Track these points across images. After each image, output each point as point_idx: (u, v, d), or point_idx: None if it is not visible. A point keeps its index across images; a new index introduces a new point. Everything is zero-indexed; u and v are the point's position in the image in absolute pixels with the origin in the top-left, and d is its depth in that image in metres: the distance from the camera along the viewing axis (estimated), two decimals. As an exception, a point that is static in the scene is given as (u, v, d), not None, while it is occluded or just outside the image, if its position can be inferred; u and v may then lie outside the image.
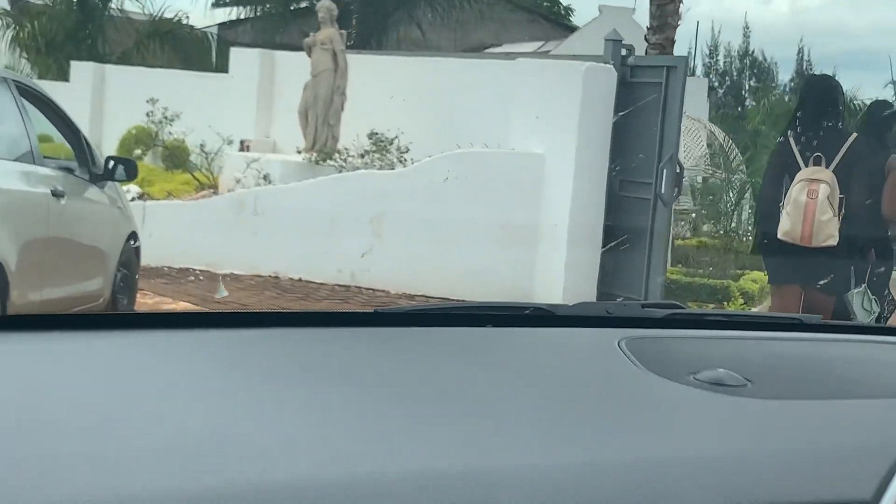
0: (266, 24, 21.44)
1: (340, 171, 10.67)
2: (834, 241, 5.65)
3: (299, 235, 9.95)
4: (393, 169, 10.60)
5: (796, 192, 5.64)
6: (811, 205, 5.56)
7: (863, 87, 35.92)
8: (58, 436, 1.02)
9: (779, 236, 5.74)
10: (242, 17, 22.91)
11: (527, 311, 1.73)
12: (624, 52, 9.65)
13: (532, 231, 9.52)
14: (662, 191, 9.16)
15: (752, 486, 1.08)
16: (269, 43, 17.14)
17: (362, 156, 11.01)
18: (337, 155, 11.25)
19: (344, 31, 11.89)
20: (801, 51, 27.30)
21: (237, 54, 14.82)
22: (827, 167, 5.67)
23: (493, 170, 9.69)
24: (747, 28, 27.59)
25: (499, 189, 9.57)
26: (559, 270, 9.33)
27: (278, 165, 11.47)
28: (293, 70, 12.62)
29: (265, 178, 10.99)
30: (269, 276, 10.15)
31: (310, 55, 11.78)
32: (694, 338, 1.69)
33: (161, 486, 0.93)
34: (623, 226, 9.47)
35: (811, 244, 5.62)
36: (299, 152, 11.77)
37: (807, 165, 5.71)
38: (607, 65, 9.56)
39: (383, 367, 1.36)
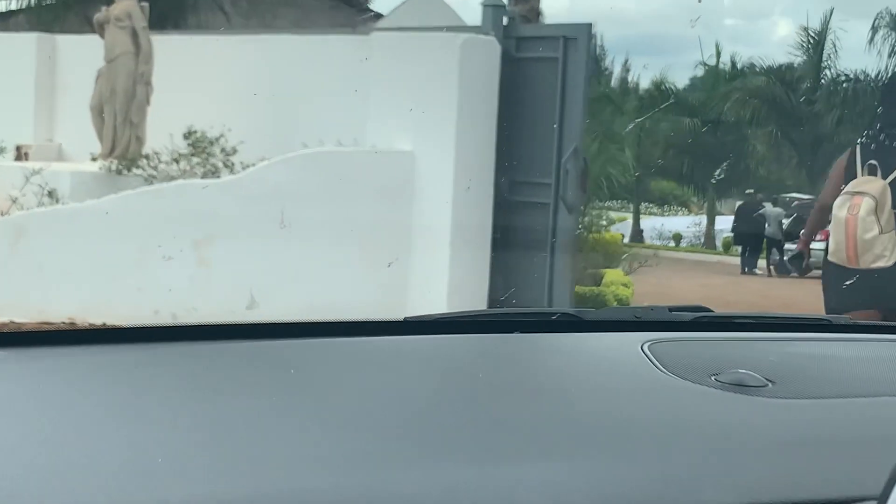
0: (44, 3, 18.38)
1: (151, 183, 8.34)
2: (887, 262, 4.96)
3: (101, 268, 7.61)
4: (219, 177, 8.34)
5: (837, 207, 5.06)
6: (851, 221, 4.94)
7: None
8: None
9: (828, 258, 5.11)
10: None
11: (554, 317, 1.76)
12: (506, 20, 7.73)
13: (403, 240, 7.50)
14: (566, 193, 7.30)
15: (771, 483, 1.10)
16: (50, 26, 14.33)
17: (177, 161, 8.67)
18: (144, 161, 8.84)
19: (146, 3, 9.45)
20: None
21: (6, 41, 12.08)
22: (884, 178, 4.96)
23: (350, 173, 7.62)
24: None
25: (358, 196, 7.50)
26: (438, 283, 7.37)
27: (67, 178, 8.91)
28: (81, 56, 10.08)
29: (50, 194, 8.49)
30: (63, 322, 7.73)
31: (102, 35, 9.32)
32: (720, 340, 1.72)
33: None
34: (518, 236, 7.59)
35: (859, 266, 4.98)
36: (94, 159, 9.37)
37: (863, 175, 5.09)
38: (488, 36, 7.62)
39: (414, 375, 1.40)
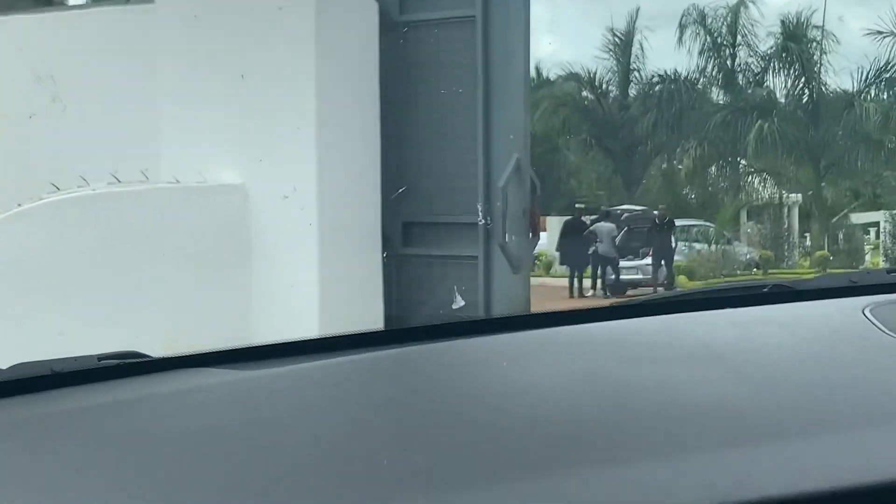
0: None
1: None
2: None
3: None
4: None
5: None
6: None
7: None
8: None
9: None
10: None
11: (765, 289, 1.70)
12: (380, -35, 4.76)
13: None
14: (508, 241, 4.38)
15: None
16: None
17: None
18: None
19: None
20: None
21: None
22: None
23: (143, 222, 4.42)
24: None
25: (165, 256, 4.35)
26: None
27: None
28: None
29: None
30: None
31: None
32: None
33: None
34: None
35: None
36: None
37: None
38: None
39: (627, 358, 1.31)
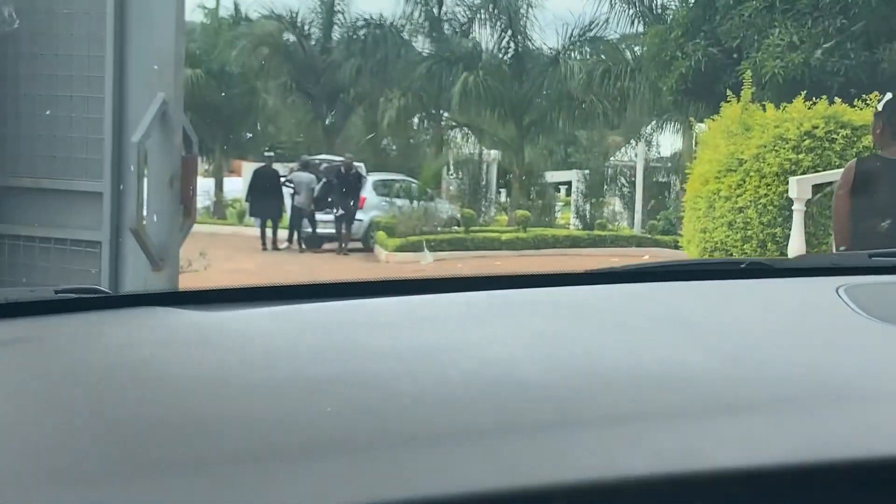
0: None
1: None
2: None
3: None
4: None
5: None
6: None
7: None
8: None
9: None
10: None
11: (742, 266, 1.71)
12: None
13: None
14: (143, 224, 2.94)
15: None
16: None
17: None
18: None
19: None
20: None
21: None
22: None
23: None
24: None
25: None
26: None
27: None
28: None
29: None
30: None
31: None
32: None
33: None
34: None
35: None
36: None
37: None
38: None
39: (609, 320, 1.32)
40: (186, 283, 4.70)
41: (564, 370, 1.05)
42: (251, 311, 1.30)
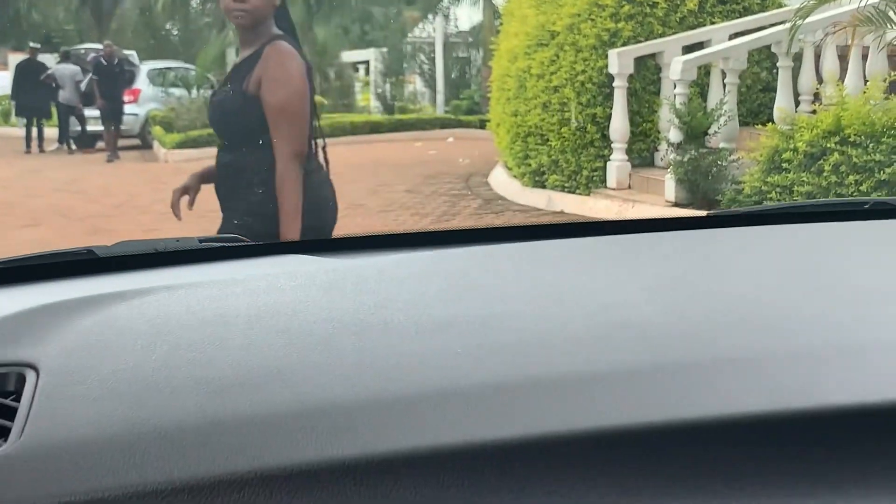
0: None
1: None
2: None
3: None
4: None
5: None
6: None
7: None
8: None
9: None
10: None
11: (866, 206, 1.70)
12: None
13: None
14: None
15: None
16: None
17: None
18: None
19: None
20: None
21: None
22: None
23: None
24: None
25: None
26: None
27: None
28: None
29: None
30: None
31: None
32: None
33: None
34: None
35: None
36: None
37: None
38: None
39: (725, 264, 1.33)
40: None
41: (682, 313, 1.05)
42: (378, 259, 1.36)
